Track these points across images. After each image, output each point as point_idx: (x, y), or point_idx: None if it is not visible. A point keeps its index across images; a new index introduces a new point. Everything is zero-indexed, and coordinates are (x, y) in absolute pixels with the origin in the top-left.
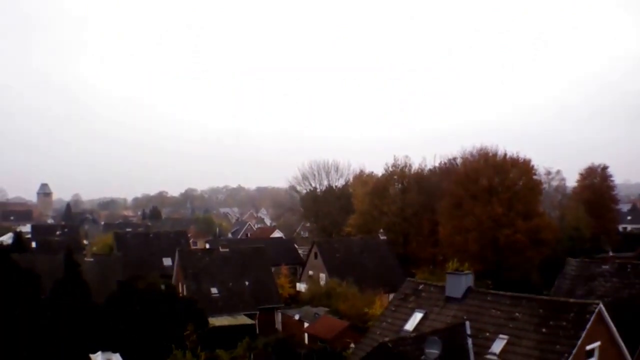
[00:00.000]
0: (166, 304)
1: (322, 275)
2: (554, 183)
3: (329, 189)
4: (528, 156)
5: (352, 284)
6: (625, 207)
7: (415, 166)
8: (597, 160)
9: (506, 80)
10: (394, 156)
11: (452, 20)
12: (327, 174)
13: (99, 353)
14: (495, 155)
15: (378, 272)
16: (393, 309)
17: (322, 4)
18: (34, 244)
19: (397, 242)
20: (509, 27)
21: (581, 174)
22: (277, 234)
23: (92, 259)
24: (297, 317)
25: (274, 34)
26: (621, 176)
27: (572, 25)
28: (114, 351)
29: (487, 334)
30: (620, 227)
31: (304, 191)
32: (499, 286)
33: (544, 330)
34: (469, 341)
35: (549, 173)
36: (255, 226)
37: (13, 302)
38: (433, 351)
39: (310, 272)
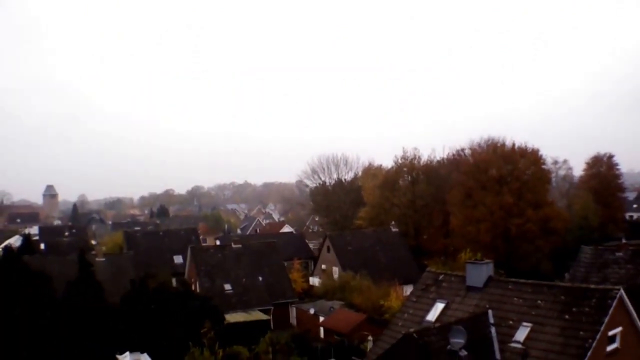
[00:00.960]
0: (181, 302)
1: (335, 269)
2: (562, 172)
3: (339, 182)
4: (536, 146)
5: (365, 277)
6: (631, 196)
7: (424, 158)
8: (602, 149)
9: (506, 78)
10: (403, 148)
11: (452, 20)
12: (337, 167)
13: (127, 354)
14: (503, 145)
15: (391, 264)
16: (414, 299)
17: (322, 4)
18: (42, 246)
19: (408, 234)
20: (509, 27)
21: (587, 163)
22: (286, 228)
23: (103, 259)
24: (312, 311)
25: (275, 34)
26: (625, 165)
27: (572, 25)
28: (142, 351)
29: (511, 322)
30: (627, 216)
31: (314, 185)
32: (510, 276)
33: (567, 316)
34: (493, 330)
35: (556, 162)
36: (264, 222)
37: (27, 304)
38: (458, 341)
39: (323, 266)
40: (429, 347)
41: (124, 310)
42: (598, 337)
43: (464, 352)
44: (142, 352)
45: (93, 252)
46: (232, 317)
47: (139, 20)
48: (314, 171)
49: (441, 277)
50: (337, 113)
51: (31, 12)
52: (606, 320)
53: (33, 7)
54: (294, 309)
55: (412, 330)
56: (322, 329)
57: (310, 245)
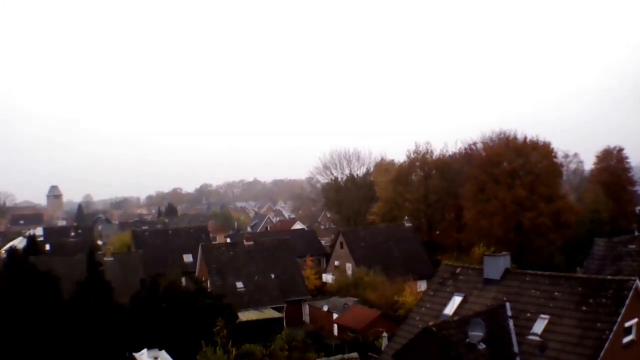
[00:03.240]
0: (193, 301)
1: (349, 265)
2: (572, 166)
3: (351, 178)
4: (547, 139)
5: (379, 273)
6: None
7: (437, 153)
8: (612, 143)
9: (517, 75)
10: (416, 143)
11: (464, 17)
12: (349, 163)
13: (145, 351)
14: (515, 139)
15: (405, 260)
16: (431, 294)
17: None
18: (47, 247)
19: (421, 229)
20: (518, 24)
21: (598, 157)
22: (298, 226)
23: (112, 259)
24: (325, 308)
25: (282, 29)
26: (636, 158)
27: (582, 21)
28: (160, 348)
29: (529, 315)
30: (638, 209)
31: (326, 181)
32: (524, 269)
33: (584, 308)
34: (511, 323)
35: (567, 156)
36: (275, 219)
37: (35, 305)
38: (477, 334)
39: (337, 263)
40: (449, 341)
41: (135, 310)
42: (615, 328)
43: (482, 346)
44: (160, 349)
45: (101, 252)
46: (245, 316)
47: (141, 20)
48: (326, 167)
49: (458, 270)
50: (348, 109)
51: (32, 14)
52: (623, 311)
53: (34, 9)
54: (307, 306)
55: (431, 324)
56: (336, 326)
57: (322, 242)
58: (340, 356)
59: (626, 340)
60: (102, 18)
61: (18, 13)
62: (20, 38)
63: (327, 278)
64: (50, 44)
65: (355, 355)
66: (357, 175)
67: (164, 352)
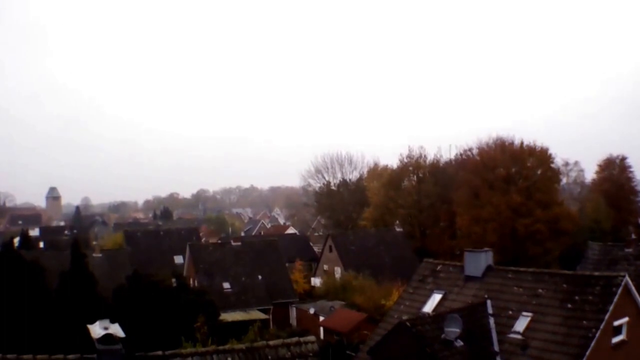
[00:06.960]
0: (175, 296)
1: (337, 269)
2: (573, 174)
3: (343, 182)
4: (545, 145)
5: (368, 277)
6: None
7: (430, 157)
8: (614, 151)
9: (517, 76)
10: (409, 147)
11: (464, 21)
12: (341, 167)
13: (97, 322)
14: (512, 144)
15: (395, 265)
16: (411, 291)
17: (330, 4)
18: (42, 244)
19: (413, 234)
20: (521, 32)
21: (599, 165)
22: (291, 230)
23: (100, 255)
24: (312, 311)
25: (276, 32)
26: (638, 168)
27: (588, 30)
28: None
29: (510, 312)
30: None
31: (318, 185)
32: None
33: (569, 305)
34: (491, 320)
35: (567, 164)
36: (269, 225)
37: (19, 294)
38: (453, 330)
39: (325, 266)
40: (423, 336)
41: (116, 303)
42: (602, 326)
43: (460, 342)
44: (112, 322)
45: (92, 248)
46: (230, 316)
47: (141, 25)
48: (317, 171)
49: (439, 267)
50: (347, 114)
51: (33, 14)
52: (611, 308)
53: (34, 8)
54: (294, 309)
55: (404, 318)
56: (322, 328)
57: (315, 249)
58: (297, 338)
59: (615, 340)
60: (103, 21)
61: (19, 12)
62: (20, 37)
63: (316, 281)
64: (50, 45)
65: (312, 338)
66: (350, 179)
67: (116, 325)
